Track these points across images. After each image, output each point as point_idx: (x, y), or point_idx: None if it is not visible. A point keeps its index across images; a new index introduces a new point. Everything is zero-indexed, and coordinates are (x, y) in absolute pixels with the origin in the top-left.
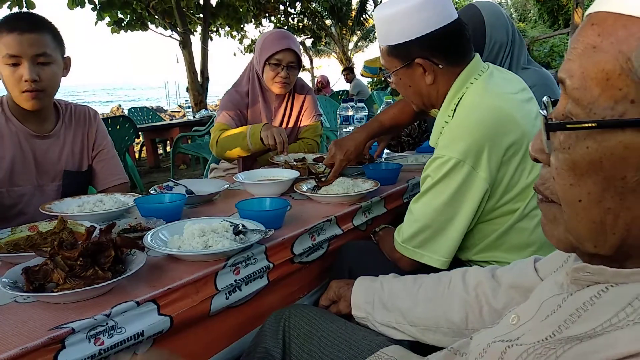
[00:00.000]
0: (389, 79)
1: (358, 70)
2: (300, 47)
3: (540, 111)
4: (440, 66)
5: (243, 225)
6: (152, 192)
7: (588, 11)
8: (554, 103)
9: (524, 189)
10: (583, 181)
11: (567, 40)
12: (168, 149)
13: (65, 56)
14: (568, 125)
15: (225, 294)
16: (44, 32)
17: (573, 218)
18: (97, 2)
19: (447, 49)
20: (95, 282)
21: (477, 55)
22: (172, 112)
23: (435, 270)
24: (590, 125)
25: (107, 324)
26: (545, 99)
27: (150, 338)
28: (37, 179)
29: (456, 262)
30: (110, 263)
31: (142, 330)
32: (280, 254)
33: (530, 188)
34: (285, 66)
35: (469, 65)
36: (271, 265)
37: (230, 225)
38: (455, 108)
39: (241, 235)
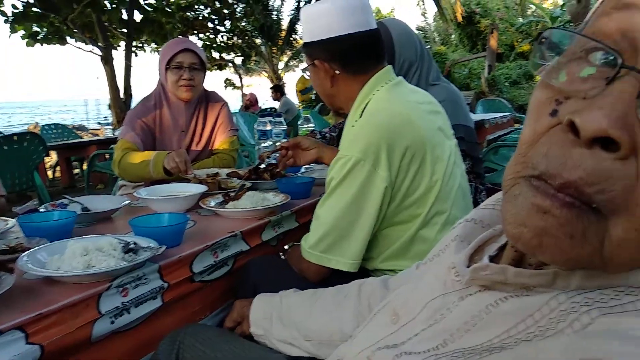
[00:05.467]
0: (306, 74)
1: (289, 89)
2: (203, 50)
3: None
4: (337, 72)
5: (135, 243)
6: (41, 209)
7: None
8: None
9: (424, 194)
10: None
11: (484, 63)
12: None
13: None
14: None
15: (111, 317)
16: None
17: (635, 237)
18: (9, 14)
19: (347, 57)
20: None
21: (390, 66)
22: (94, 130)
23: (345, 275)
24: None
25: None
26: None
27: None
28: None
29: (363, 272)
30: None
31: None
32: (177, 273)
33: (430, 195)
34: (187, 67)
35: (378, 74)
36: (166, 285)
37: (119, 243)
38: (362, 113)
39: (131, 254)
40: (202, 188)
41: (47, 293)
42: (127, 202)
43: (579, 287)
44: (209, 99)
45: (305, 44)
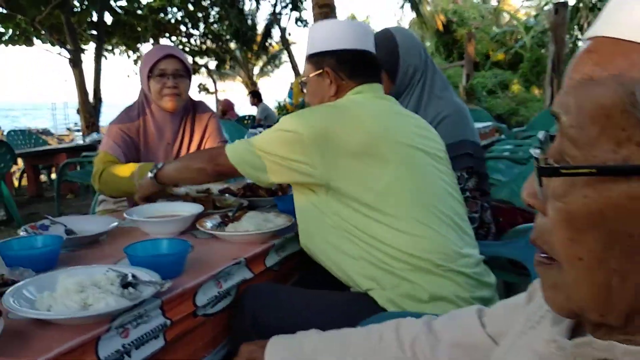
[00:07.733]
0: (303, 90)
1: (264, 94)
2: (187, 57)
3: (532, 151)
4: (343, 81)
5: (133, 276)
6: (22, 233)
7: (586, 34)
8: (552, 138)
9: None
10: (583, 236)
11: (461, 72)
12: (53, 176)
13: None
14: (562, 170)
15: None
16: None
17: (575, 280)
18: None
19: (352, 66)
20: None
21: (380, 85)
22: (60, 136)
23: None
24: (587, 171)
25: None
26: (541, 134)
27: None
28: None
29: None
30: None
31: None
32: (180, 308)
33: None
34: (171, 75)
35: (368, 84)
36: (169, 322)
37: (117, 277)
38: None
39: (130, 289)
40: (197, 208)
41: (39, 337)
42: (116, 223)
43: None
44: (196, 108)
45: (312, 54)
